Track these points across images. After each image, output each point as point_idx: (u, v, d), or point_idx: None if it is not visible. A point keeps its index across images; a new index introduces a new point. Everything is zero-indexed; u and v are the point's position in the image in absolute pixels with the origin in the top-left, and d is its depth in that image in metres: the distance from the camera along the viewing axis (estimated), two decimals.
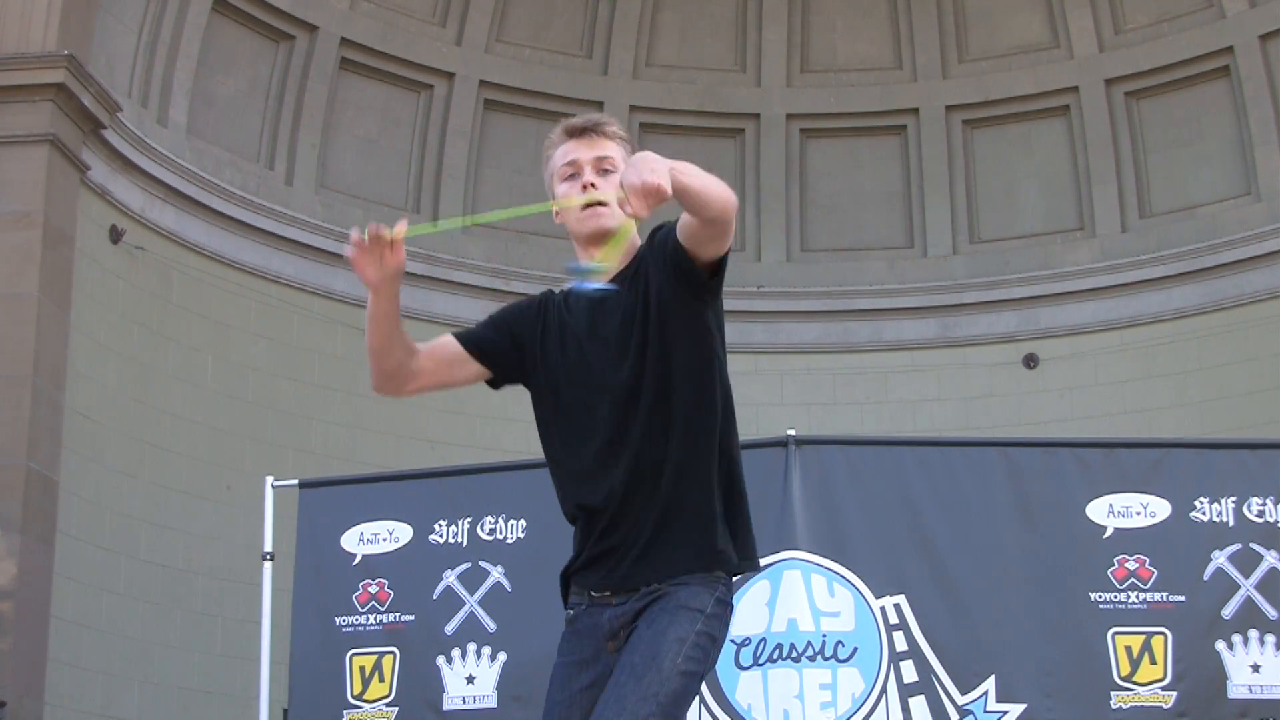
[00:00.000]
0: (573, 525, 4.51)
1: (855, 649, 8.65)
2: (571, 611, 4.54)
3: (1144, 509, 8.96)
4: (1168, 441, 10.18)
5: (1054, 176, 17.00)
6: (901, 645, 8.69)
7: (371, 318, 4.38)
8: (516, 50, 16.87)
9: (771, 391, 16.19)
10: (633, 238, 4.43)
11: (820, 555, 8.82)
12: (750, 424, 14.34)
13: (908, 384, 16.47)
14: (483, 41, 16.68)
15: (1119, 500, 8.97)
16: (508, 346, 4.54)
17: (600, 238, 4.34)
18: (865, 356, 16.66)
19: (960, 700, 8.62)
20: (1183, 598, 8.74)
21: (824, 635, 8.65)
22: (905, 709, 8.57)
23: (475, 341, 4.57)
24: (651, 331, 4.29)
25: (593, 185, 4.38)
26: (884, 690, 8.62)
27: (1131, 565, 8.83)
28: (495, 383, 4.65)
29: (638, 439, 4.29)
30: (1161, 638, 8.74)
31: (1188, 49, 16.37)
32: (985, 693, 8.65)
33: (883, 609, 8.74)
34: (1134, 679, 8.68)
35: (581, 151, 4.43)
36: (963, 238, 17.08)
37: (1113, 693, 8.63)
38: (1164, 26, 16.57)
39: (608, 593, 4.36)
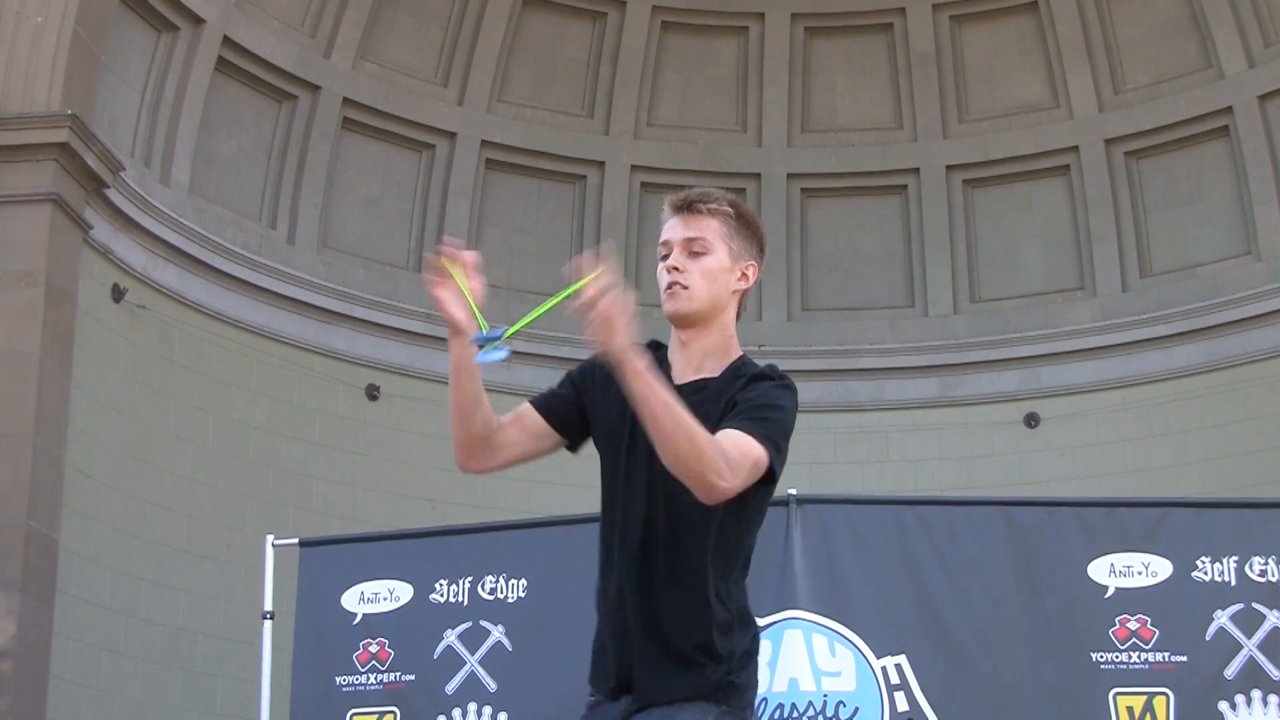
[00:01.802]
0: None
1: (856, 709, 8.64)
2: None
3: (1145, 568, 8.97)
4: (1169, 501, 10.17)
5: (1054, 236, 17.03)
6: (903, 705, 8.67)
7: (456, 367, 4.10)
8: (518, 110, 16.94)
9: None
10: (732, 344, 4.35)
11: (821, 615, 8.82)
12: None
13: (909, 443, 16.46)
14: (484, 101, 16.74)
15: (1120, 560, 8.98)
16: (575, 410, 4.39)
17: (680, 320, 4.29)
18: (866, 416, 16.66)
19: None
20: (1184, 658, 8.74)
21: (825, 695, 8.64)
22: None
23: (547, 406, 4.39)
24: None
25: (676, 269, 4.27)
26: None
27: (1133, 625, 8.83)
28: (572, 448, 4.48)
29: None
30: (1164, 698, 8.72)
31: (1187, 109, 16.43)
32: None
33: (884, 669, 8.73)
34: None
35: (676, 231, 4.30)
36: (963, 297, 17.09)
37: None
38: (1163, 87, 16.63)
39: None
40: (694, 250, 4.27)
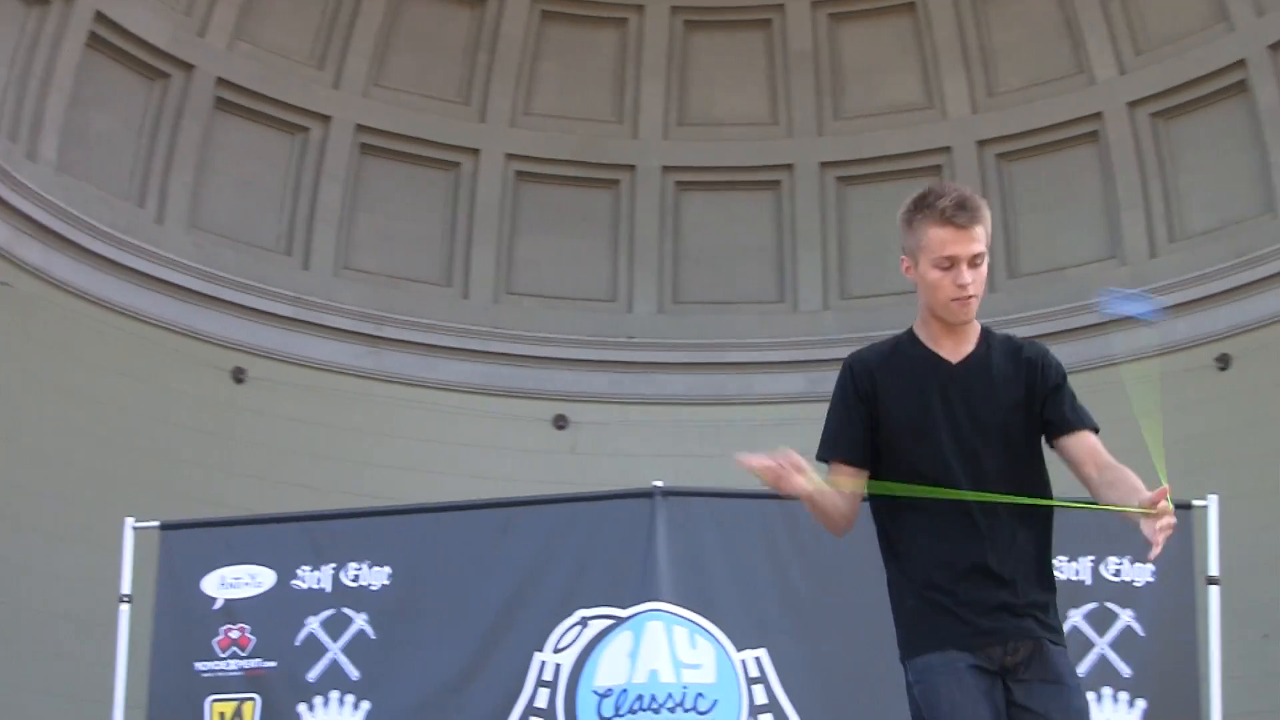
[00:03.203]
0: None
1: (715, 701, 8.66)
2: None
3: None
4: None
5: None
6: (761, 699, 8.71)
7: (823, 515, 4.81)
8: (395, 95, 16.84)
9: (640, 442, 16.20)
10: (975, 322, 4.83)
11: (683, 607, 8.84)
12: (617, 474, 14.43)
13: (776, 438, 16.34)
14: (361, 85, 16.63)
15: None
16: (870, 432, 4.91)
17: (954, 326, 4.75)
18: (735, 409, 16.70)
19: None
20: None
21: (685, 687, 8.66)
22: None
23: (860, 456, 4.92)
24: None
25: (968, 283, 4.67)
26: None
27: None
28: None
29: None
30: None
31: (1058, 113, 16.62)
32: None
33: (744, 662, 8.77)
34: None
35: (960, 247, 4.67)
36: (834, 293, 17.20)
37: None
38: (1036, 91, 16.81)
39: None
40: (976, 264, 4.70)
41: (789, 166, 17.41)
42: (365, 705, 9.17)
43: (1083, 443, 4.77)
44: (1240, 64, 15.74)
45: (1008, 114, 16.90)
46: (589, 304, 17.16)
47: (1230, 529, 9.35)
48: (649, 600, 8.81)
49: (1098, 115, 16.41)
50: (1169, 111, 16.26)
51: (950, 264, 4.67)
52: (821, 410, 16.76)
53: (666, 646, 8.71)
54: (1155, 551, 4.34)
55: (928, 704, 4.60)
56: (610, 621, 8.85)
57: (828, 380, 16.96)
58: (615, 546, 9.09)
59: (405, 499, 13.32)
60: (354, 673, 9.22)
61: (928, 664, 4.62)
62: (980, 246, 4.69)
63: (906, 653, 4.71)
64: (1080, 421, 4.79)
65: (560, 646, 8.89)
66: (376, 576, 9.34)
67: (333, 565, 9.39)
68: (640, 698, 8.64)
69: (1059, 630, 4.71)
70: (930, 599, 4.65)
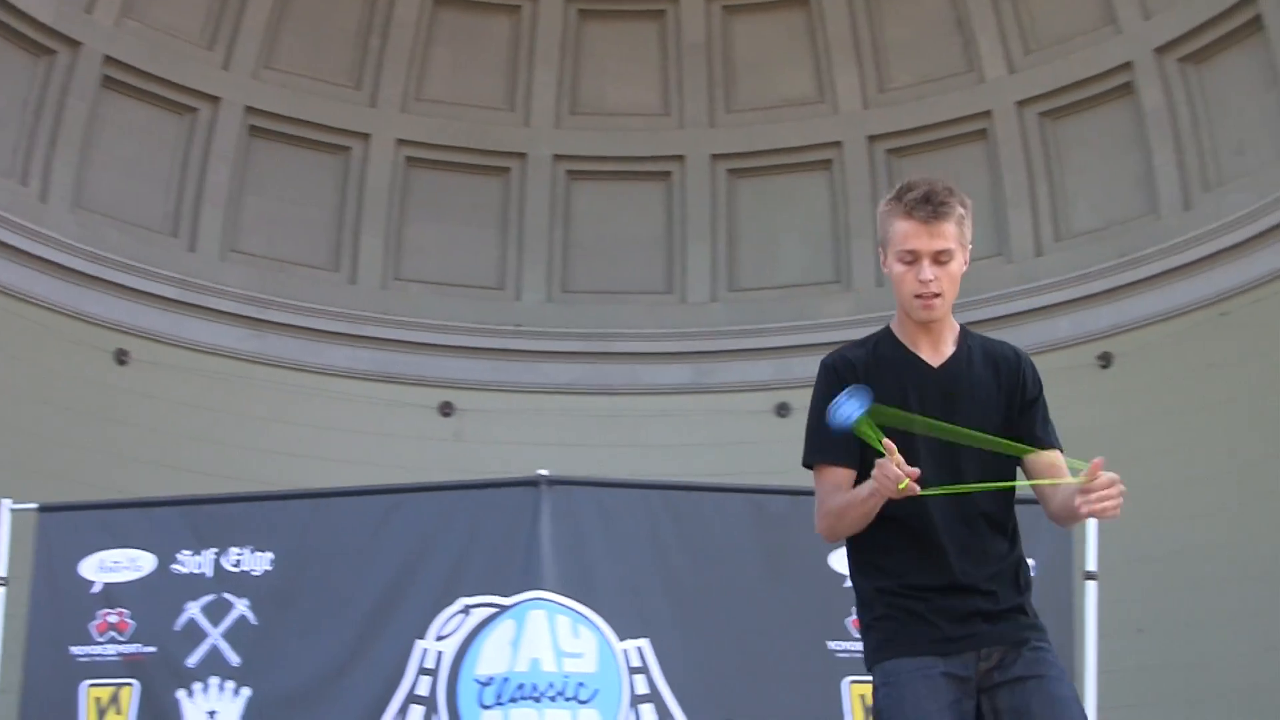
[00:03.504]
0: None
1: (597, 691, 8.66)
2: None
3: None
4: None
5: (814, 229, 17.26)
6: (643, 689, 8.72)
7: (865, 515, 4.54)
8: (285, 77, 16.72)
9: (526, 431, 16.20)
10: (952, 322, 4.78)
11: (566, 596, 8.83)
12: (502, 463, 14.43)
13: (662, 428, 16.56)
14: (251, 67, 16.50)
15: None
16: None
17: (927, 325, 4.69)
18: (621, 399, 16.73)
19: None
20: None
21: (566, 676, 8.65)
22: None
23: (852, 458, 4.69)
24: None
25: (928, 280, 4.62)
26: None
27: None
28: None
29: None
30: None
31: (948, 110, 16.76)
32: None
33: (625, 652, 8.77)
34: None
35: (922, 241, 4.62)
36: (722, 285, 17.26)
37: None
38: (926, 88, 16.94)
39: None
40: (940, 261, 4.62)
41: (680, 158, 17.45)
42: (245, 692, 9.09)
43: (1047, 459, 4.70)
44: (1127, 66, 15.93)
45: (898, 110, 17.02)
46: (477, 291, 17.12)
47: (1108, 524, 9.44)
48: (532, 589, 8.80)
49: (987, 113, 16.56)
50: (1057, 111, 16.44)
51: (912, 258, 4.62)
52: (708, 401, 16.82)
53: (549, 635, 8.70)
54: (1091, 509, 4.38)
55: (892, 705, 4.55)
56: (493, 610, 8.83)
57: (715, 372, 17.14)
58: (499, 535, 9.06)
59: (289, 484, 13.24)
60: (234, 659, 9.14)
61: (897, 667, 4.55)
62: (946, 243, 4.61)
63: (875, 658, 4.64)
64: (1049, 440, 4.73)
65: (442, 634, 8.86)
66: (258, 562, 9.26)
67: (214, 550, 9.30)
68: (522, 686, 8.63)
69: (1037, 629, 4.66)
70: (904, 607, 4.58)
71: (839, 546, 8.94)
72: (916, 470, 4.33)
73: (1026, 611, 4.65)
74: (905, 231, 4.63)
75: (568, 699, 8.61)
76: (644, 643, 8.82)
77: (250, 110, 16.51)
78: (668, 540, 9.14)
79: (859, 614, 4.74)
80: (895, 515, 4.54)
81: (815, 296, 17.05)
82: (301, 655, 9.08)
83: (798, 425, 16.22)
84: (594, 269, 17.35)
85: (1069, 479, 4.50)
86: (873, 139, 17.11)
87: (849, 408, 4.38)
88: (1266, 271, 14.57)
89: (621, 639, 8.79)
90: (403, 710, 8.75)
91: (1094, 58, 16.15)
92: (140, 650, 9.22)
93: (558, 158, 17.41)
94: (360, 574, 9.13)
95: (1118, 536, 9.46)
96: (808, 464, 4.77)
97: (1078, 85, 16.28)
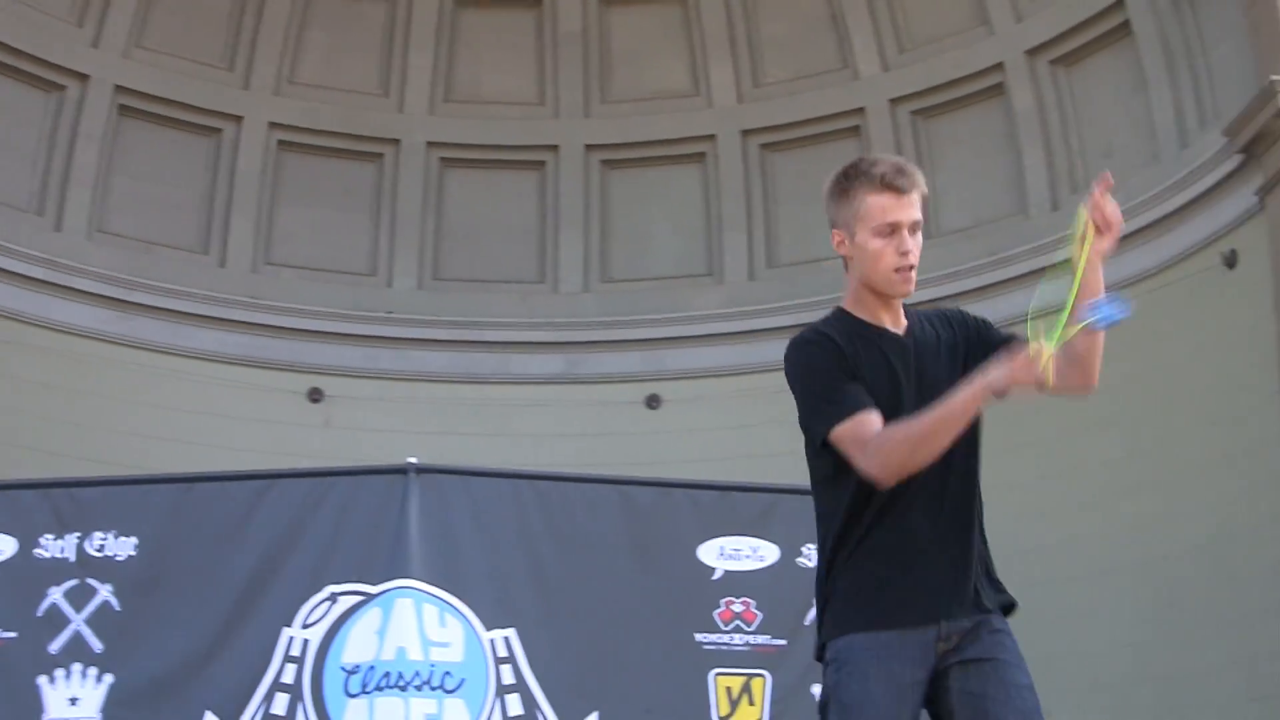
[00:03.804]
0: None
1: (463, 680, 8.66)
2: None
3: (754, 552, 9.15)
4: (780, 487, 10.34)
5: (687, 221, 17.31)
6: (509, 678, 8.72)
7: (966, 419, 4.41)
8: (156, 57, 16.51)
9: (395, 418, 16.12)
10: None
11: (434, 585, 8.82)
12: (371, 450, 14.34)
13: (532, 418, 16.54)
14: (121, 45, 16.28)
15: (730, 543, 9.16)
16: None
17: (889, 300, 4.66)
18: (492, 388, 16.69)
19: None
20: (784, 641, 8.95)
21: (433, 665, 8.65)
22: None
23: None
24: None
25: (911, 251, 4.62)
26: None
27: (738, 608, 9.02)
28: None
29: None
30: (761, 680, 8.94)
31: (822, 107, 16.86)
32: None
33: (492, 641, 8.78)
34: (732, 719, 8.86)
35: (903, 212, 4.61)
36: (594, 276, 17.27)
37: None
38: (801, 83, 17.03)
39: None
40: (916, 231, 4.64)
41: (554, 147, 17.44)
42: (108, 678, 9.00)
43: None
44: (998, 67, 16.12)
45: (773, 105, 17.11)
46: (348, 277, 17.01)
47: (991, 517, 9.54)
48: (399, 577, 8.78)
49: (860, 110, 16.69)
50: (929, 110, 16.59)
51: (892, 230, 4.60)
52: (578, 392, 16.71)
53: (415, 624, 8.69)
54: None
55: (840, 685, 4.48)
56: (360, 598, 8.81)
57: (585, 362, 17.09)
58: (367, 523, 9.03)
59: (154, 468, 13.12)
60: (97, 645, 9.04)
61: (850, 644, 4.50)
62: (919, 214, 4.64)
63: (831, 633, 4.56)
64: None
65: (309, 622, 8.82)
66: (122, 547, 9.16)
67: (77, 534, 9.19)
68: (388, 675, 8.61)
69: (1000, 612, 4.60)
70: (873, 577, 4.51)
71: (708, 538, 9.06)
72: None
73: (991, 592, 4.60)
74: (883, 205, 4.61)
75: (434, 688, 8.60)
76: (511, 633, 8.83)
77: (120, 89, 16.30)
78: (536, 530, 9.16)
79: (817, 588, 4.67)
80: (870, 482, 4.47)
81: (687, 289, 17.10)
82: (166, 642, 8.99)
83: (667, 417, 16.29)
84: (466, 257, 17.30)
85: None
86: (746, 133, 17.19)
87: (1118, 308, 4.41)
88: (1132, 273, 14.75)
89: (488, 629, 8.80)
90: (268, 698, 8.69)
91: (966, 58, 16.32)
92: (0, 636, 9.10)
93: (431, 145, 17.34)
94: (226, 560, 9.07)
95: (999, 528, 9.54)
96: (833, 426, 4.53)
97: (950, 85, 16.45)
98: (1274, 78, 12.94)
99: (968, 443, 4.57)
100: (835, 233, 4.70)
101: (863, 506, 4.53)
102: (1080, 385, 4.59)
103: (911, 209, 4.62)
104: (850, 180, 4.66)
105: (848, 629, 4.52)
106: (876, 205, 4.61)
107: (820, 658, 4.63)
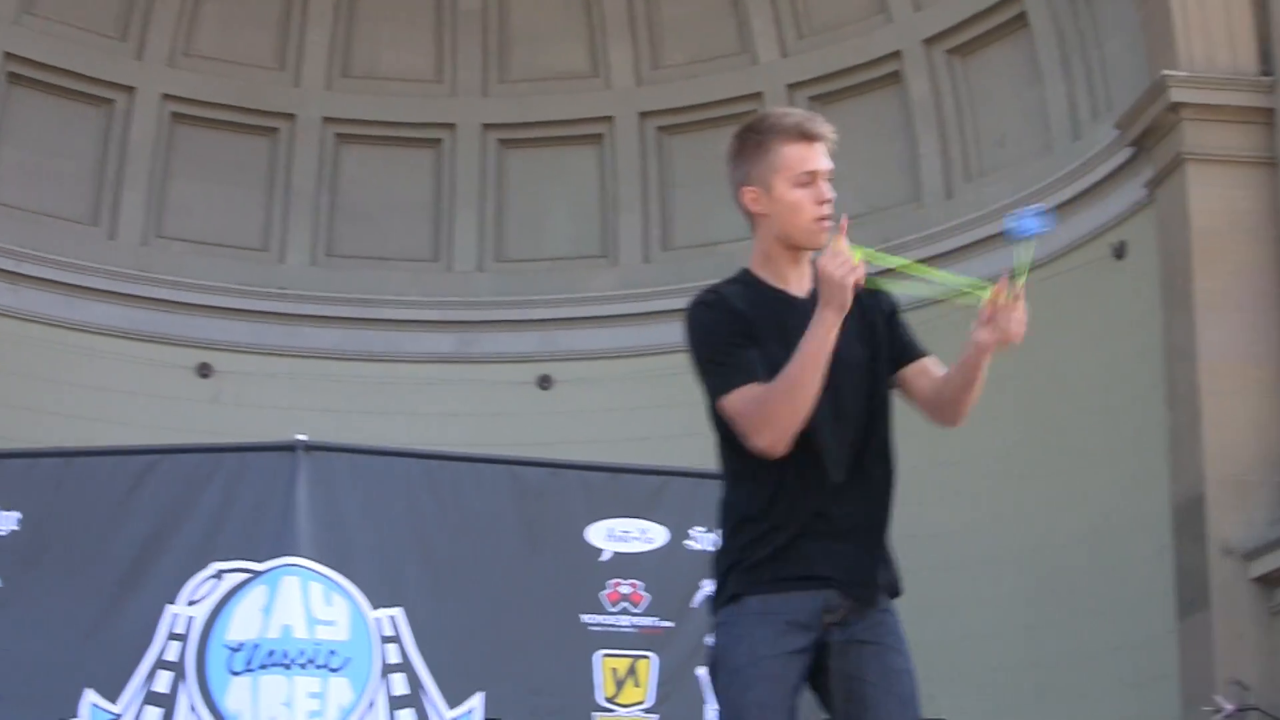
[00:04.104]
0: None
1: (348, 659, 8.64)
2: None
3: (642, 534, 9.17)
4: (670, 470, 10.34)
5: (583, 202, 17.30)
6: (394, 658, 8.71)
7: (826, 355, 4.31)
8: (47, 25, 16.28)
9: (285, 395, 16.03)
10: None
11: (321, 563, 8.78)
12: (261, 427, 14.24)
13: (424, 397, 16.48)
14: (11, 13, 16.05)
15: (619, 525, 9.17)
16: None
17: (797, 257, 4.57)
18: (383, 367, 16.62)
19: (447, 715, 8.69)
20: (671, 623, 8.98)
21: (318, 644, 8.61)
22: None
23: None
24: None
25: (830, 199, 4.55)
26: (373, 702, 8.63)
27: (625, 589, 9.04)
28: None
29: None
30: (647, 661, 8.96)
31: (720, 91, 16.88)
32: (472, 709, 8.75)
33: (378, 621, 8.75)
34: (617, 700, 8.89)
35: (817, 161, 4.55)
36: (489, 255, 17.23)
37: (595, 713, 8.83)
38: (700, 67, 17.05)
39: None
40: (829, 180, 4.56)
41: (451, 126, 17.37)
42: None
43: (926, 364, 4.61)
44: (896, 55, 16.21)
45: (671, 88, 17.12)
46: (241, 252, 16.88)
47: None
48: (286, 555, 8.74)
49: (758, 95, 16.71)
50: (827, 96, 16.64)
51: (810, 180, 4.52)
52: (470, 371, 16.71)
53: (301, 602, 8.65)
54: (1005, 333, 4.36)
55: (727, 646, 4.43)
56: (246, 575, 8.76)
57: (478, 342, 17.07)
58: (254, 499, 8.98)
59: (39, 442, 12.97)
60: None
61: (740, 608, 4.43)
62: (831, 163, 4.56)
63: (721, 598, 4.50)
64: (923, 348, 4.63)
65: (194, 599, 8.76)
66: (5, 521, 9.07)
67: None
68: (272, 653, 8.57)
69: (890, 592, 4.54)
70: (769, 542, 4.43)
71: (597, 519, 9.07)
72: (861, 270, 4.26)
73: (884, 571, 4.54)
74: (801, 154, 4.54)
75: (319, 666, 8.57)
76: (397, 612, 8.82)
77: (10, 57, 16.07)
78: (425, 510, 9.14)
79: (716, 557, 4.58)
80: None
81: (581, 270, 17.09)
82: (48, 617, 8.90)
83: (559, 398, 16.35)
84: (360, 234, 17.21)
85: (980, 293, 4.41)
86: (644, 115, 17.20)
87: (1036, 221, 4.37)
88: (1023, 262, 14.90)
89: (375, 607, 8.78)
90: (151, 675, 8.63)
91: (865, 45, 16.40)
92: None
93: (327, 120, 17.23)
94: (112, 536, 8.99)
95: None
96: (722, 394, 4.48)
97: (848, 71, 16.52)
98: (1165, 72, 13.08)
99: (881, 415, 4.56)
100: (747, 190, 4.56)
101: (765, 471, 4.46)
102: (948, 419, 4.58)
103: (826, 157, 4.57)
104: (762, 133, 4.58)
105: (740, 592, 4.47)
106: (794, 155, 4.54)
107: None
